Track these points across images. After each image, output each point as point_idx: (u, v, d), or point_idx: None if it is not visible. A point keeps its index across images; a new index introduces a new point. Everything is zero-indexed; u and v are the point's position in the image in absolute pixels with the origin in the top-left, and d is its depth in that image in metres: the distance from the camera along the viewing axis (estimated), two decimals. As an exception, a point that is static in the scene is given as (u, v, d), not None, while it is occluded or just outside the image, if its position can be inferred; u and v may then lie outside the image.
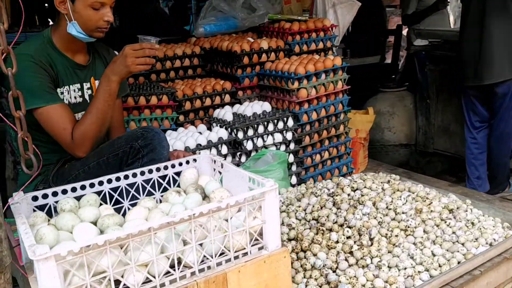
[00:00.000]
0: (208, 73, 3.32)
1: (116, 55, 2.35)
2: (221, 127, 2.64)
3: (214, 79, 3.11)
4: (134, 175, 1.48)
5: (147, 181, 1.51)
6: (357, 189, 2.24)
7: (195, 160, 1.62)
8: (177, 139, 2.49)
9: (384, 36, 6.38)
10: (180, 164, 1.58)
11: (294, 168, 2.84)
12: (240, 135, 2.62)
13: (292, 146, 2.81)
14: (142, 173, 1.49)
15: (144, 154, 1.87)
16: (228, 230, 1.21)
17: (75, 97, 2.09)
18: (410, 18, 4.77)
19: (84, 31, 1.97)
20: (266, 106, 2.86)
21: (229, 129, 2.62)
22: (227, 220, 1.33)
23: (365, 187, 2.24)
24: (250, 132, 2.64)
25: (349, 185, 2.24)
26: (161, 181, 1.53)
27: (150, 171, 1.51)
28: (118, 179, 1.45)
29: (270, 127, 2.70)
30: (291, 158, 2.80)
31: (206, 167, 1.60)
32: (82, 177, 1.96)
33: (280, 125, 2.73)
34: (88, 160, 1.97)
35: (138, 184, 1.49)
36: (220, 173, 1.55)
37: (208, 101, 2.91)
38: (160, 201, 1.50)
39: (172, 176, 1.55)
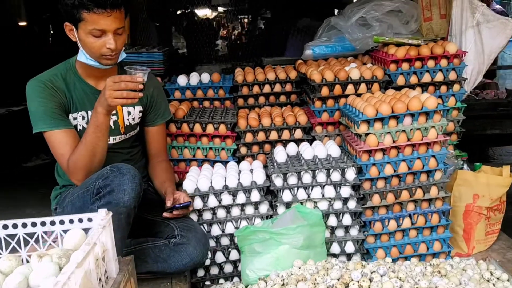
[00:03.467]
0: (304, 101, 2.94)
1: (155, 81, 2.29)
2: (278, 170, 2.25)
3: (299, 109, 2.73)
4: (15, 226, 1.36)
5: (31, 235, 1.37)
6: (370, 289, 1.59)
7: (90, 219, 1.39)
8: (207, 176, 2.26)
9: None
10: (71, 221, 1.38)
11: (353, 232, 2.25)
12: (278, 182, 2.21)
13: (352, 204, 2.22)
14: (24, 225, 1.36)
15: (101, 196, 1.75)
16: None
17: None
18: None
19: (92, 58, 1.95)
20: (333, 150, 2.35)
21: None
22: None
23: (381, 289, 1.57)
24: (292, 180, 2.20)
25: (358, 282, 1.61)
26: (46, 237, 1.37)
27: (34, 224, 1.36)
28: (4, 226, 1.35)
29: (320, 177, 2.19)
30: (347, 220, 2.22)
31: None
32: (69, 207, 1.96)
33: (336, 176, 2.19)
34: (75, 190, 1.95)
35: (19, 236, 1.36)
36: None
37: (273, 135, 2.56)
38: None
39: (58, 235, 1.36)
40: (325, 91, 2.52)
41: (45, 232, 1.42)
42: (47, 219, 1.37)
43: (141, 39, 3.26)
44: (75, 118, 2.05)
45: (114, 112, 2.12)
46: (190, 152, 2.58)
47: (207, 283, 2.25)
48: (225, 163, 2.52)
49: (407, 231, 2.27)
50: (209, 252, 2.22)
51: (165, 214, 1.98)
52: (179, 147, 2.58)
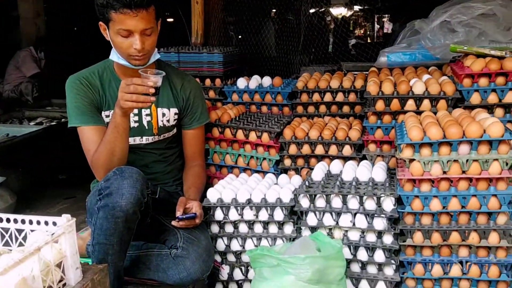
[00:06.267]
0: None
1: (193, 83, 2.24)
2: (303, 190, 2.06)
3: (358, 123, 2.46)
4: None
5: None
6: None
7: (55, 223, 1.36)
8: (235, 187, 2.14)
9: None
10: (38, 222, 1.37)
11: (388, 271, 1.94)
12: (304, 203, 1.99)
13: (388, 239, 1.92)
14: (0, 220, 1.39)
15: (101, 197, 1.74)
16: None
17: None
18: None
19: (123, 58, 1.96)
20: (379, 174, 2.06)
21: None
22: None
23: None
24: (320, 203, 1.97)
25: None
26: (17, 235, 1.39)
27: (8, 220, 1.38)
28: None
29: (352, 204, 1.92)
30: (381, 257, 1.92)
31: (65, 234, 1.33)
32: (89, 203, 2.01)
33: (370, 205, 1.90)
34: (95, 187, 1.99)
35: None
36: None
37: (320, 149, 2.34)
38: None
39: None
40: (380, 105, 2.22)
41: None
42: (19, 217, 1.38)
43: (215, 40, 3.24)
44: (107, 116, 2.08)
45: (148, 113, 2.12)
46: (231, 158, 2.48)
47: (224, 299, 2.14)
48: (267, 174, 2.37)
49: (456, 281, 1.89)
50: (228, 267, 2.11)
51: (173, 223, 1.91)
52: (221, 152, 2.50)
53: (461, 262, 1.87)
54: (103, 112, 2.07)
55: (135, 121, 2.10)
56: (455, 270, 1.87)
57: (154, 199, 2.01)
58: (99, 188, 1.74)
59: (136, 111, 2.08)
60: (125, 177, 1.72)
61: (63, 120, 4.63)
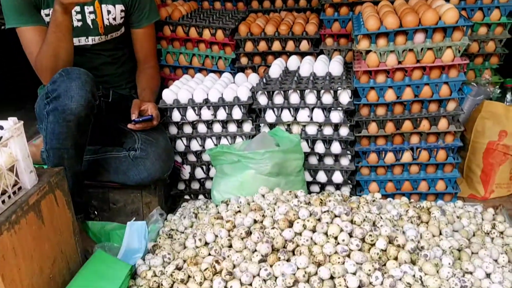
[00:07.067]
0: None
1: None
2: (261, 87, 2.03)
3: (315, 17, 2.39)
4: None
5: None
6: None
7: (1, 127, 1.30)
8: (191, 87, 2.09)
9: None
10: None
11: (344, 162, 2.02)
12: (262, 100, 1.98)
13: (343, 131, 1.96)
14: None
15: (49, 101, 1.66)
16: None
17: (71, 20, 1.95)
18: None
19: None
20: (336, 68, 2.05)
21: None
22: None
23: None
24: (278, 100, 1.96)
25: (303, 221, 1.42)
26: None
27: None
28: None
29: (310, 99, 1.93)
30: (337, 148, 1.98)
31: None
32: (37, 108, 1.92)
33: (327, 99, 1.91)
34: (42, 91, 1.89)
35: None
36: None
37: (277, 45, 2.28)
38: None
39: None
40: (338, -5, 2.15)
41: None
42: None
43: None
44: (47, 15, 1.91)
45: (91, 10, 1.97)
46: (185, 58, 2.40)
47: (186, 197, 2.18)
48: (223, 73, 2.31)
49: (407, 166, 1.99)
50: (189, 167, 2.13)
51: (129, 125, 1.87)
52: (174, 52, 2.40)
53: (412, 149, 1.95)
54: (42, 11, 1.91)
55: (78, 20, 1.96)
56: (406, 156, 1.97)
57: (107, 102, 1.95)
58: (46, 92, 1.66)
59: (78, 8, 1.94)
60: (73, 79, 1.63)
61: (3, 27, 4.29)
